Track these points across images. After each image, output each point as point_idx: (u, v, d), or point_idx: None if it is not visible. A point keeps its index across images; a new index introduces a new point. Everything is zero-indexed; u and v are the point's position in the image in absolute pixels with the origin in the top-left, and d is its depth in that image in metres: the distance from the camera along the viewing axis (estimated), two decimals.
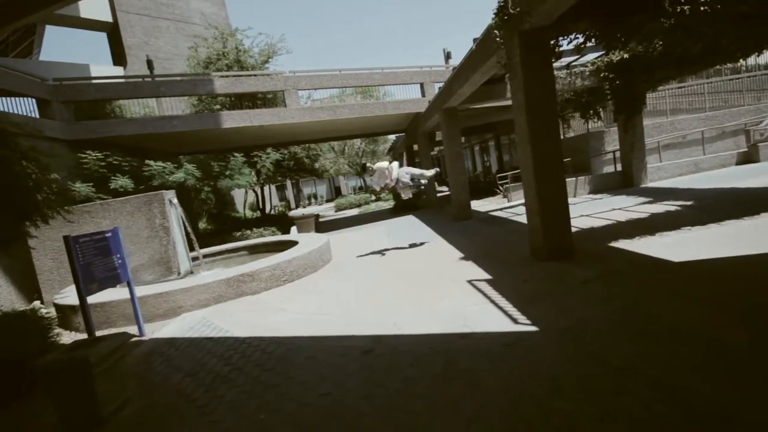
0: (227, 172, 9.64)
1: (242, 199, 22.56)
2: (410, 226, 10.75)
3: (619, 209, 7.99)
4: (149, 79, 10.03)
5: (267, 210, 20.52)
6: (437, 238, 8.26)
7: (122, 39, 21.41)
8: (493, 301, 3.98)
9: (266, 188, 20.86)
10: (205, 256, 8.92)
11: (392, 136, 24.73)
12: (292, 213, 10.59)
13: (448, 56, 15.73)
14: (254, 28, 36.55)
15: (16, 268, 7.23)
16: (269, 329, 4.19)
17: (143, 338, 4.57)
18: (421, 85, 12.79)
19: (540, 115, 4.86)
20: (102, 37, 22.75)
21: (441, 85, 10.67)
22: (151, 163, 8.11)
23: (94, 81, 10.03)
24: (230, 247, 9.22)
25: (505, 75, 9.65)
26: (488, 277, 4.85)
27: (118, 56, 22.03)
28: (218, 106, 13.28)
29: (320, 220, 16.71)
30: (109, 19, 21.44)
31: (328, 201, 36.66)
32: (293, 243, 8.21)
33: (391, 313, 4.11)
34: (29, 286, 7.37)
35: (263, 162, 10.08)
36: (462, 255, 6.31)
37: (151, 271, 7.37)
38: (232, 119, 10.57)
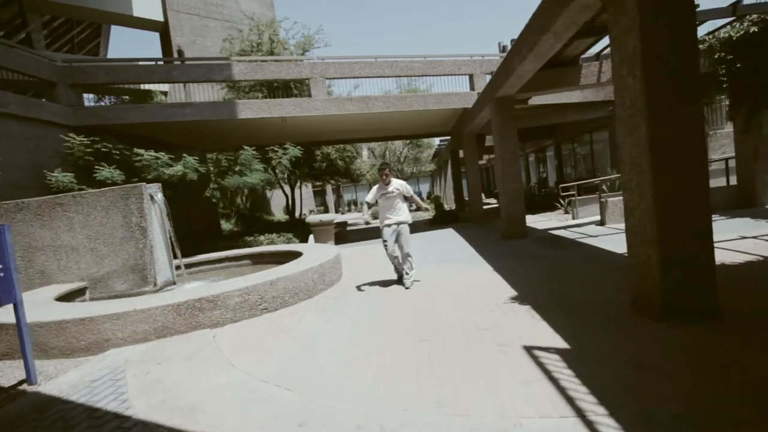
0: (237, 168, 8.40)
1: (281, 202, 21.76)
2: (447, 242, 8.79)
3: (753, 238, 5.55)
4: (161, 63, 9.11)
5: (298, 214, 19.39)
6: (479, 261, 6.28)
7: (171, 38, 21.57)
8: (583, 415, 2.01)
9: (298, 191, 19.79)
10: (203, 263, 7.61)
11: (437, 141, 22.79)
12: (310, 218, 9.05)
13: (503, 50, 13.69)
14: (296, 22, 36.28)
15: None
16: (184, 409, 2.52)
17: (29, 388, 3.11)
18: (470, 77, 10.88)
19: (669, 70, 2.83)
20: (156, 38, 23.21)
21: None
22: (141, 152, 7.01)
23: (104, 63, 9.29)
24: (228, 255, 7.84)
25: (579, 56, 7.52)
26: (563, 345, 2.85)
27: (168, 56, 22.25)
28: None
29: (348, 228, 15.17)
30: (160, 18, 21.72)
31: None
32: (297, 255, 6.63)
33: (389, 410, 2.28)
34: None
35: (279, 158, 8.74)
36: (514, 293, 4.32)
37: (124, 279, 6.10)
38: (250, 109, 9.35)
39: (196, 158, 7.60)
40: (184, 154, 7.46)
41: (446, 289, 4.76)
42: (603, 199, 8.17)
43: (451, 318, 3.69)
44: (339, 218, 17.91)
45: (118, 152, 6.95)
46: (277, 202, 22.66)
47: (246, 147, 8.32)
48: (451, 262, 6.41)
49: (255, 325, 4.17)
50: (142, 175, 7.22)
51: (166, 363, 3.34)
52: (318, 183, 24.30)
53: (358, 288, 5.44)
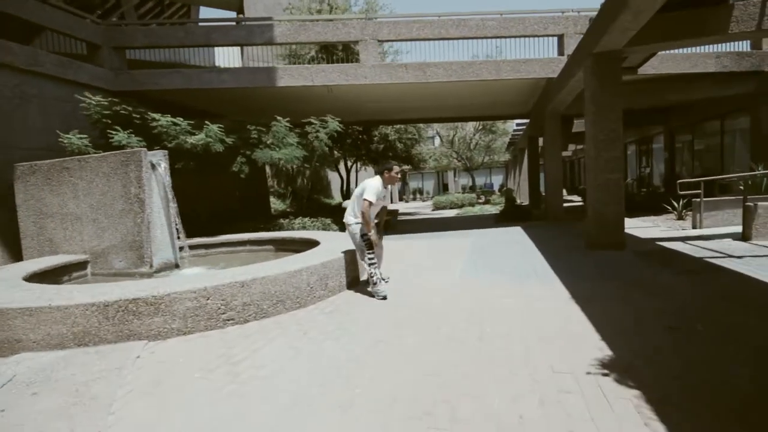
0: (269, 141, 7.42)
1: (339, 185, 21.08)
2: (511, 246, 6.93)
3: None
4: (201, 25, 8.44)
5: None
6: (551, 279, 4.44)
7: (245, 15, 21.69)
8: None
9: (362, 173, 18.77)
10: (217, 246, 6.79)
11: (513, 128, 20.06)
12: (346, 203, 7.78)
13: None
14: None
15: (3, 227, 6.06)
16: None
17: None
18: (560, 38, 8.60)
19: None
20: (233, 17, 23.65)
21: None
22: (157, 116, 6.31)
23: (144, 26, 8.91)
24: (251, 238, 6.91)
25: None
26: None
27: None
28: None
29: (401, 218, 13.74)
30: None
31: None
32: (314, 244, 5.42)
33: None
34: (14, 251, 6.15)
35: (315, 131, 7.59)
36: (607, 352, 2.53)
37: (122, 256, 5.41)
38: (290, 75, 8.30)
39: (221, 127, 6.77)
40: (206, 122, 6.65)
41: (491, 328, 3.08)
42: (750, 204, 5.64)
43: (484, 403, 2.07)
44: (413, 207, 16.40)
45: (138, 116, 6.36)
46: (339, 185, 21.95)
47: (279, 118, 7.32)
48: (510, 276, 4.65)
49: (205, 343, 2.98)
50: (163, 142, 6.57)
51: (43, 393, 2.27)
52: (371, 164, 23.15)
53: (374, 294, 4.05)
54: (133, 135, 6.26)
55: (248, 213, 10.28)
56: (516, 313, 3.34)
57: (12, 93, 6.39)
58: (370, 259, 4.11)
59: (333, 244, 5.12)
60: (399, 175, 4.33)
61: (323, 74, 8.31)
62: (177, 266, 5.63)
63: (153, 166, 5.37)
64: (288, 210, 15.69)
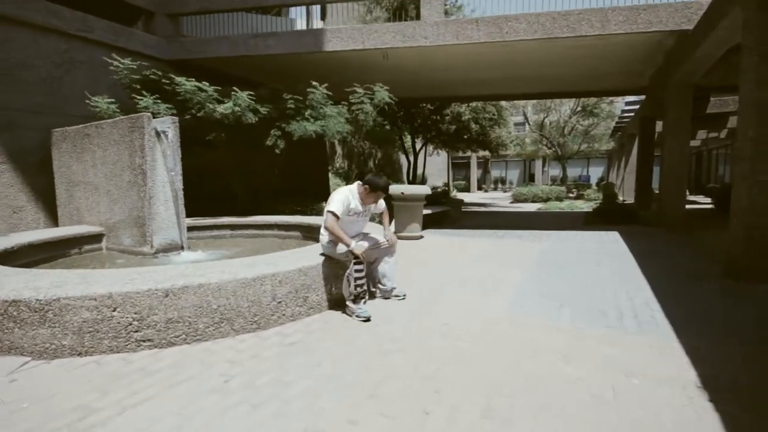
0: (307, 112, 6.48)
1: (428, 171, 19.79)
2: (601, 260, 5.08)
3: None
4: None
5: (418, 183, 17.03)
6: (667, 338, 2.69)
7: None
8: None
9: (439, 158, 17.32)
10: (235, 227, 6.16)
11: (620, 107, 16.34)
12: (393, 189, 6.56)
13: None
14: None
15: (43, 193, 6.10)
16: None
17: None
18: None
19: None
20: None
21: None
22: (181, 80, 5.74)
23: None
24: (278, 222, 6.14)
25: None
26: None
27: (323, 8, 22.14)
28: None
29: (466, 209, 12.05)
30: None
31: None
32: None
33: None
34: (53, 217, 6.19)
35: (359, 103, 6.43)
36: None
37: (129, 232, 4.97)
38: (338, 38, 7.22)
39: (252, 95, 6.02)
40: (235, 89, 5.95)
41: None
42: None
43: None
44: (488, 198, 14.83)
45: (168, 82, 5.90)
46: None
47: (315, 84, 6.33)
48: (590, 317, 3.03)
49: (87, 375, 2.08)
50: (191, 111, 6.05)
51: None
52: (463, 154, 21.27)
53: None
54: (160, 101, 5.79)
55: (300, 193, 9.68)
56: (588, 406, 1.84)
57: (61, 59, 6.36)
58: (357, 271, 2.91)
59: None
60: (376, 199, 3.29)
61: (376, 35, 7.06)
62: (183, 248, 5.03)
63: (158, 134, 4.76)
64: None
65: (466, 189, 29.83)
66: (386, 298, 3.42)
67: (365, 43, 7.08)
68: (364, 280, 2.97)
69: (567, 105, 19.60)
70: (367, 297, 3.06)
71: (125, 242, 5.01)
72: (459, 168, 32.04)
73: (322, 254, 3.21)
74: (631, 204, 11.71)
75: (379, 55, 7.43)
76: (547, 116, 20.18)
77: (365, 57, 7.48)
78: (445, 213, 9.16)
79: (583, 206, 13.64)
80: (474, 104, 12.89)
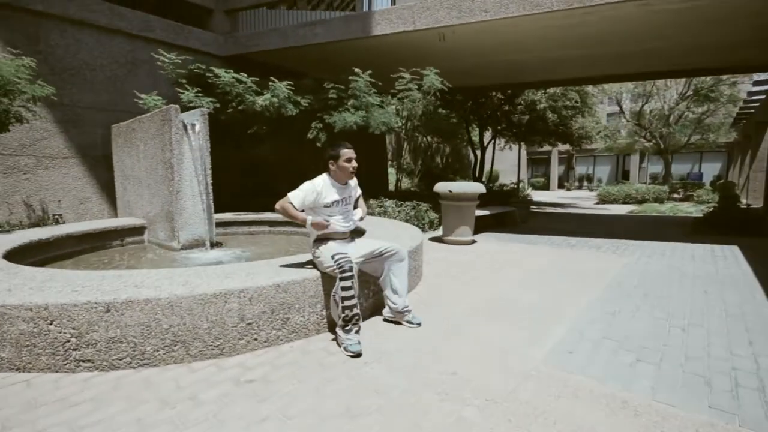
0: (349, 102, 5.93)
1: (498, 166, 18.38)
2: (711, 292, 3.79)
3: None
4: None
5: (490, 181, 15.66)
6: None
7: None
8: None
9: (513, 153, 15.93)
10: (262, 224, 5.92)
11: (746, 86, 13.00)
12: (439, 186, 5.80)
13: None
14: None
15: (106, 185, 6.50)
16: None
17: None
18: None
19: None
20: None
21: None
22: (220, 72, 5.57)
23: None
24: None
25: None
26: None
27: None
28: None
29: (531, 209, 10.63)
30: None
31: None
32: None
33: None
34: (114, 208, 6.58)
35: (406, 90, 5.69)
36: None
37: (162, 226, 4.97)
38: (387, 21, 6.57)
39: (291, 85, 5.66)
40: (273, 79, 5.65)
41: None
42: None
43: None
44: (571, 197, 13.40)
45: (211, 75, 5.84)
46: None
47: (358, 71, 5.76)
48: (690, 392, 2.04)
49: (3, 399, 1.78)
50: (232, 103, 5.93)
51: None
52: (540, 148, 19.32)
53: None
54: (202, 94, 5.75)
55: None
56: None
57: (125, 59, 6.72)
58: (344, 289, 2.29)
59: (386, 232, 3.40)
60: (352, 163, 2.66)
61: (428, 13, 6.28)
62: (213, 245, 4.88)
63: (185, 127, 4.63)
64: (412, 189, 14.36)
65: (545, 187, 27.26)
66: (395, 322, 2.75)
67: (416, 24, 6.34)
68: (354, 301, 2.34)
69: (673, 89, 16.50)
70: (360, 323, 2.42)
71: (160, 236, 5.01)
72: (538, 164, 29.38)
73: (310, 265, 2.66)
74: (759, 209, 9.28)
75: (434, 37, 6.64)
76: (646, 103, 17.21)
77: (418, 41, 6.74)
78: (508, 214, 8.05)
79: (691, 210, 11.26)
80: (552, 90, 11.31)
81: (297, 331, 2.47)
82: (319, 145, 6.32)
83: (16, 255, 3.72)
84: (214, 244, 4.91)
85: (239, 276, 2.42)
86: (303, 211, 2.56)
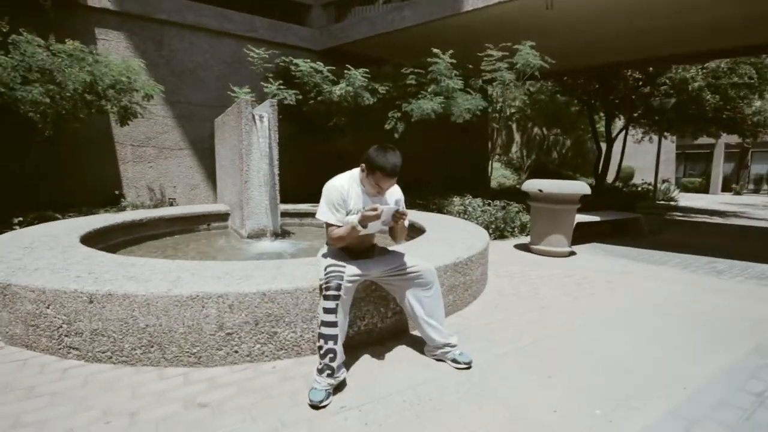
0: (430, 88, 5.27)
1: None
2: None
3: None
4: None
5: (615, 179, 13.02)
6: None
7: None
8: None
9: (621, 145, 13.28)
10: None
11: None
12: (528, 185, 4.85)
13: None
14: None
15: (211, 174, 7.23)
16: None
17: None
18: None
19: None
20: None
21: None
22: (299, 62, 5.49)
23: None
24: None
25: None
26: None
27: None
28: None
29: (667, 216, 8.34)
30: None
31: None
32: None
33: None
34: (215, 194, 7.30)
35: (494, 70, 4.75)
36: None
37: (237, 214, 5.23)
38: None
39: (367, 73, 5.31)
40: (348, 67, 5.37)
41: None
42: None
43: None
44: (698, 200, 11.01)
45: (295, 68, 5.89)
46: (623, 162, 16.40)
47: (437, 51, 5.06)
48: None
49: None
50: (311, 94, 5.90)
51: None
52: (697, 140, 15.55)
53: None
54: (284, 87, 5.87)
55: (453, 184, 8.72)
56: None
57: (231, 58, 7.34)
58: (325, 311, 1.84)
59: (433, 240, 2.90)
60: (382, 185, 1.95)
61: None
62: (277, 235, 4.93)
63: (254, 117, 4.71)
64: (517, 186, 12.89)
65: (704, 189, 21.92)
66: (438, 360, 2.15)
67: None
68: (333, 332, 1.83)
69: None
70: (336, 363, 1.83)
71: (236, 223, 5.28)
72: (695, 160, 23.66)
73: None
74: None
75: (538, 6, 5.56)
76: None
77: (518, 13, 5.72)
78: (631, 222, 6.42)
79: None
80: (713, 64, 8.66)
81: (286, 349, 2.12)
82: (396, 136, 5.92)
83: (113, 232, 4.26)
84: (279, 235, 4.94)
85: (263, 275, 2.18)
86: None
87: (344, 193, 2.00)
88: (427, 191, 7.18)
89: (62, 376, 1.90)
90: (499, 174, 14.97)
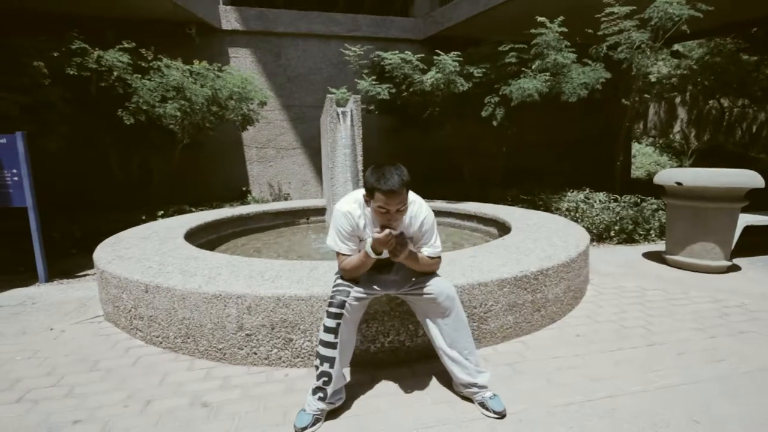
0: (535, 64, 4.37)
1: None
2: None
3: None
4: None
5: None
6: None
7: None
8: None
9: None
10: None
11: None
12: (662, 176, 3.73)
13: None
14: None
15: (319, 171, 7.76)
16: None
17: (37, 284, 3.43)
18: None
19: None
20: None
21: None
22: (386, 55, 5.22)
23: None
24: (477, 213, 4.99)
25: None
26: None
27: None
28: None
29: None
30: None
31: None
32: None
33: None
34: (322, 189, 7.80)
35: (617, 32, 3.60)
36: None
37: (329, 209, 5.45)
38: None
39: (459, 56, 4.76)
40: (438, 52, 4.91)
41: None
42: None
43: None
44: None
45: (384, 60, 5.74)
46: None
47: (545, 21, 4.12)
48: None
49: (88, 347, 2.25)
50: (402, 86, 5.66)
51: None
52: None
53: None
54: (376, 82, 5.83)
55: (573, 175, 7.54)
56: None
57: (337, 59, 7.68)
58: (325, 330, 1.66)
59: (522, 239, 2.54)
60: (387, 215, 1.60)
61: None
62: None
63: (338, 114, 4.77)
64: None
65: None
66: (465, 398, 1.77)
67: None
68: (331, 353, 1.64)
69: None
70: (331, 388, 1.64)
71: (328, 218, 5.51)
72: None
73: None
74: None
75: None
76: None
77: None
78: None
79: None
80: None
81: (302, 357, 2.03)
82: (495, 123, 5.29)
83: (224, 225, 4.90)
84: None
85: (290, 277, 2.19)
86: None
87: (354, 220, 1.72)
88: (539, 185, 6.27)
89: (122, 354, 2.20)
90: (651, 161, 12.26)
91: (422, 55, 5.41)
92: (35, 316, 2.74)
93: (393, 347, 2.05)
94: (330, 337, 1.64)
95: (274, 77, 7.42)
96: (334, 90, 6.48)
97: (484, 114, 5.32)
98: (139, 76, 4.68)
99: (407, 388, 1.85)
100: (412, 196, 1.74)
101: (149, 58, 4.87)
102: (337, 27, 7.52)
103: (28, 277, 3.54)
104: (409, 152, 7.68)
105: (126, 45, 4.68)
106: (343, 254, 1.73)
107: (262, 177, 7.61)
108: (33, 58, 3.68)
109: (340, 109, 4.73)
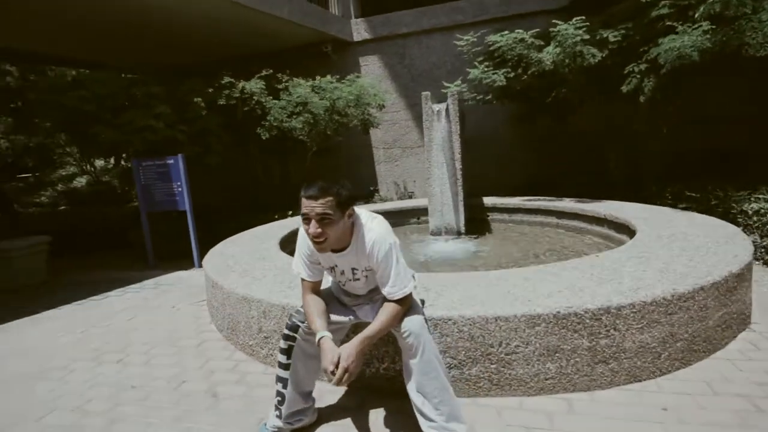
0: (699, 11, 2.91)
1: None
2: None
3: None
4: None
5: None
6: None
7: None
8: None
9: None
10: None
11: None
12: None
13: None
14: None
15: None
16: None
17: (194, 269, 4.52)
18: None
19: None
20: None
21: None
22: (496, 38, 4.41)
23: None
24: (587, 211, 4.04)
25: None
26: None
27: None
28: None
29: None
30: None
31: None
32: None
33: None
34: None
35: None
36: None
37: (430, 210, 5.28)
38: None
39: (584, 21, 3.66)
40: (556, 22, 3.90)
41: None
42: None
43: None
44: None
45: (493, 43, 4.99)
46: None
47: None
48: None
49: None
50: (518, 69, 4.84)
51: None
52: None
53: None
54: (491, 68, 5.27)
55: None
56: None
57: (461, 50, 7.26)
58: (280, 352, 1.63)
59: (627, 256, 2.12)
60: (310, 228, 1.40)
61: None
62: (460, 234, 4.65)
63: (434, 111, 4.51)
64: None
65: None
66: None
67: None
68: (284, 374, 1.59)
69: None
70: (284, 407, 1.59)
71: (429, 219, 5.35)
72: None
73: None
74: None
75: None
76: None
77: None
78: None
79: None
80: None
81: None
82: (642, 99, 4.06)
83: None
84: (462, 233, 4.60)
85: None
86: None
87: (306, 242, 1.57)
88: (724, 177, 4.52)
89: (194, 336, 2.68)
90: None
91: (538, 30, 4.59)
92: (175, 294, 3.62)
93: (389, 375, 1.85)
94: (282, 358, 1.60)
95: (399, 78, 7.60)
96: (448, 84, 6.19)
97: (625, 89, 4.14)
98: (271, 97, 5.54)
99: (383, 425, 1.64)
100: (365, 217, 1.52)
101: (283, 80, 5.70)
102: (461, 16, 7.13)
103: (189, 264, 4.70)
104: (540, 143, 6.70)
105: (264, 73, 5.62)
106: (305, 280, 1.63)
107: (389, 176, 7.93)
108: (194, 95, 4.85)
109: (435, 107, 4.50)
